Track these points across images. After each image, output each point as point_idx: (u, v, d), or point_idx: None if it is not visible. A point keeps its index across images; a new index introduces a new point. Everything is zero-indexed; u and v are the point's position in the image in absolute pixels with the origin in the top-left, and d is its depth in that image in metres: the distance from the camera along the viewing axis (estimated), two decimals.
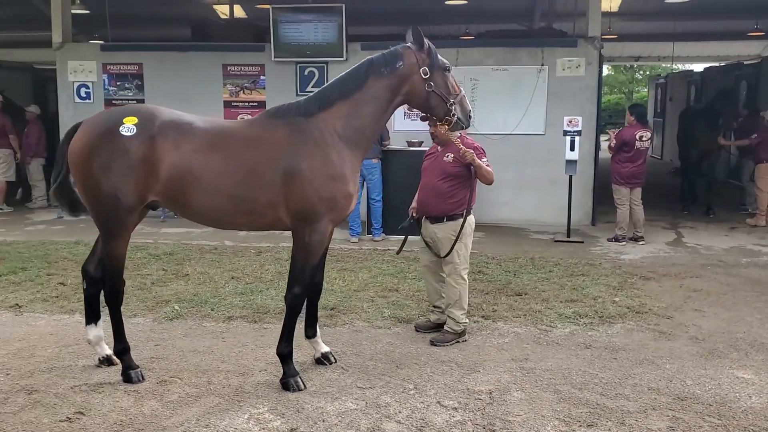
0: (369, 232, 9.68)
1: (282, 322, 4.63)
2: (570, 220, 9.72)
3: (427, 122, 5.27)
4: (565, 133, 9.53)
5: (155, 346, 5.35)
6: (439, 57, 4.70)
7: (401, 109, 10.80)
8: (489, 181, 5.40)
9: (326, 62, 10.94)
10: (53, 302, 6.43)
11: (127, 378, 4.63)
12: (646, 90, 32.84)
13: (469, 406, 4.32)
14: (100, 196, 4.43)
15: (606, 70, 40.54)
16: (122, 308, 4.68)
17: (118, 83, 11.49)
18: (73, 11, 13.27)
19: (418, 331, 5.70)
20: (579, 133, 9.49)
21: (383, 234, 9.57)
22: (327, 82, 10.62)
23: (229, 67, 11.25)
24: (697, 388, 4.61)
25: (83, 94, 11.58)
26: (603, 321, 5.96)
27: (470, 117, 4.92)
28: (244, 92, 11.24)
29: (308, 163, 4.39)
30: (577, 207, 10.70)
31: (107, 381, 4.65)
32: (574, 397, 4.45)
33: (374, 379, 4.71)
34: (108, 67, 11.48)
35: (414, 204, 5.73)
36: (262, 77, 11.19)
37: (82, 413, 4.18)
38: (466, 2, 14.46)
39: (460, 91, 4.80)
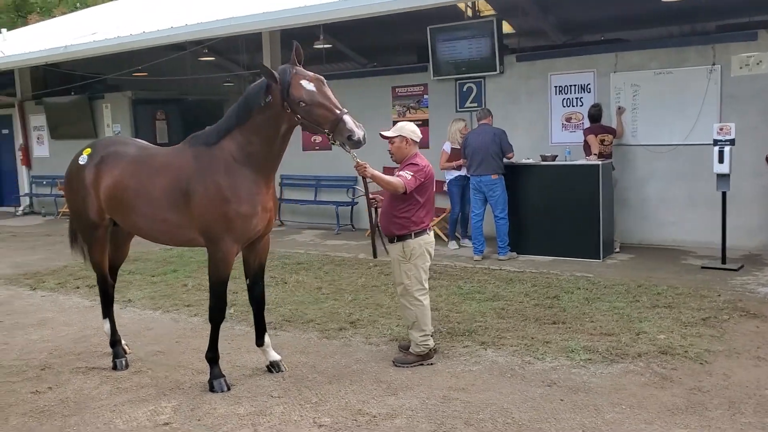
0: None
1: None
2: (725, 242, 8.34)
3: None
4: (715, 142, 8.23)
5: (174, 342, 6.17)
6: (294, 92, 4.51)
7: (559, 121, 10.38)
8: (394, 190, 5.12)
9: (483, 77, 10.90)
10: (155, 300, 7.67)
11: (113, 366, 5.52)
12: None
13: (338, 425, 4.31)
14: (74, 212, 5.43)
15: None
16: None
17: None
18: (316, 46, 15.12)
19: (400, 350, 5.64)
20: (731, 142, 8.12)
21: (511, 252, 9.25)
22: (484, 96, 10.78)
23: (397, 89, 11.84)
24: None
25: None
26: (606, 359, 5.24)
27: (352, 141, 4.49)
28: (409, 112, 11.73)
29: (203, 186, 4.78)
30: (765, 228, 9.11)
31: (102, 366, 5.58)
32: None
33: (292, 390, 4.91)
34: None
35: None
36: (425, 96, 11.56)
37: (51, 389, 5.14)
38: None
39: (335, 115, 4.49)
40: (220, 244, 4.81)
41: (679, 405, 4.42)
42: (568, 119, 10.36)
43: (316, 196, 12.73)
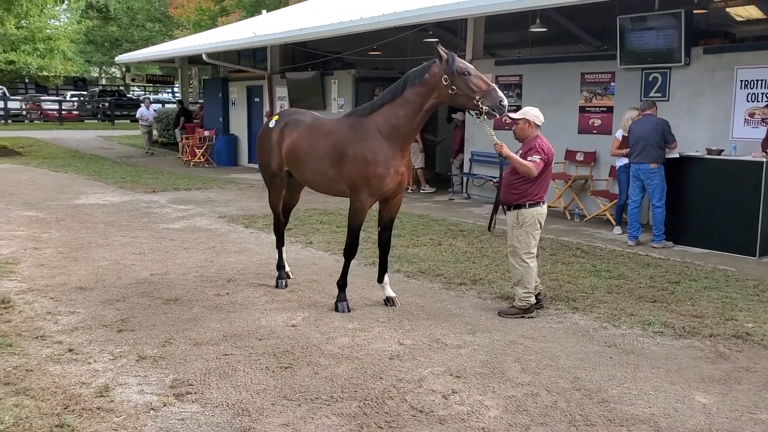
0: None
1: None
2: None
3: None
4: None
5: (328, 276, 7.63)
6: (459, 64, 5.68)
7: (741, 117, 10.27)
8: (527, 173, 5.97)
9: (669, 68, 10.98)
10: (330, 244, 9.24)
11: (275, 284, 7.13)
12: None
13: (414, 346, 5.42)
14: (261, 165, 7.06)
15: None
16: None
17: (504, 91, 13.51)
18: (532, 29, 15.93)
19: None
20: None
21: (666, 242, 9.47)
22: (669, 87, 10.99)
23: (585, 75, 12.25)
24: (613, 391, 4.62)
25: None
26: (676, 334, 5.72)
27: (502, 106, 5.61)
28: (596, 98, 12.11)
29: (353, 150, 6.08)
30: None
31: (269, 284, 7.20)
32: (493, 365, 5.07)
33: (395, 319, 6.09)
34: (499, 78, 13.76)
35: None
36: (612, 84, 11.87)
37: (228, 294, 6.86)
38: None
39: (488, 86, 5.65)
40: (359, 195, 6.12)
41: (715, 376, 4.88)
42: (751, 114, 10.14)
43: (501, 173, 13.57)
